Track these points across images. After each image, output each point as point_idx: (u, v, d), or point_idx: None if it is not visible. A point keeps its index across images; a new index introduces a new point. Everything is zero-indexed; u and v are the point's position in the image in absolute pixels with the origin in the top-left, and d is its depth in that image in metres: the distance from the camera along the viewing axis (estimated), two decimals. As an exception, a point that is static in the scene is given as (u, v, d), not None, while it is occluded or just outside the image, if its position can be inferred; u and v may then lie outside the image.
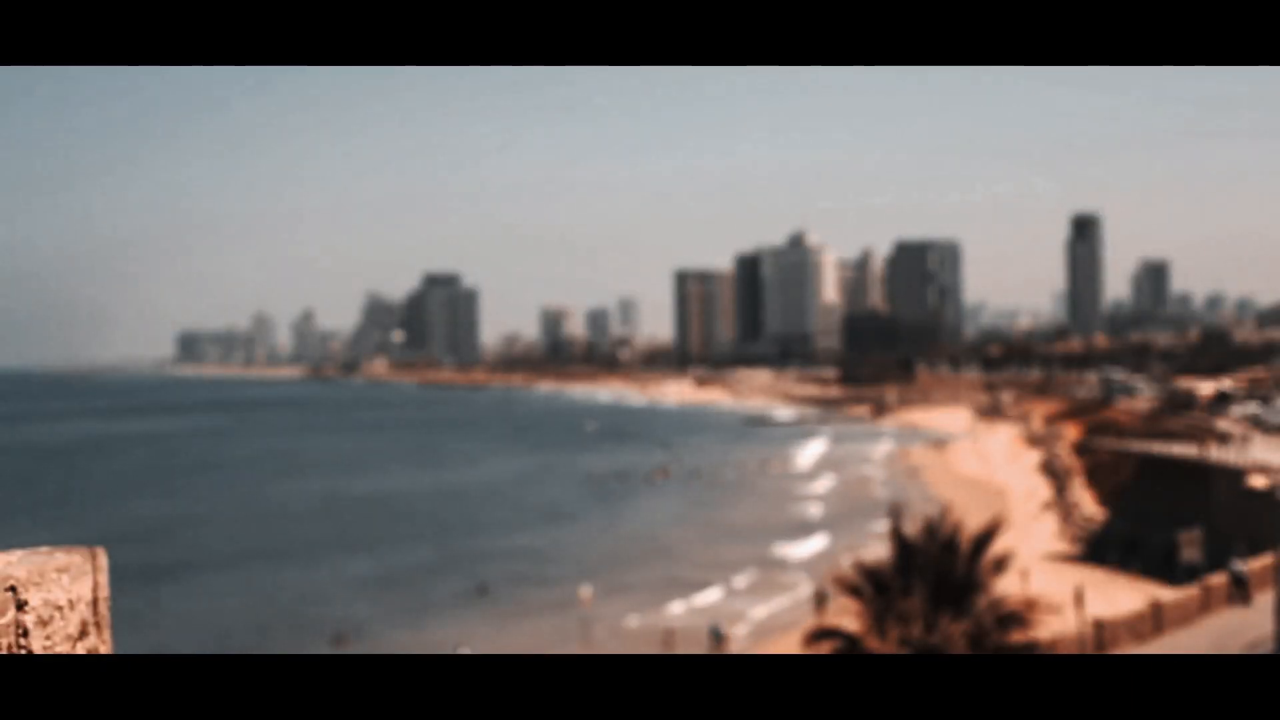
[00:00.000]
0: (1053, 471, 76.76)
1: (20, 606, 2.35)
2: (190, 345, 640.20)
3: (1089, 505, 64.34)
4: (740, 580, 51.55)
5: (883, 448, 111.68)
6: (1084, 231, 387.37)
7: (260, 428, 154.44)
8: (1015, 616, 24.98)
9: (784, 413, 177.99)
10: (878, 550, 34.60)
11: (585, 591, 47.06)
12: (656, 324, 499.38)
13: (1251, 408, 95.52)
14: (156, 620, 42.19)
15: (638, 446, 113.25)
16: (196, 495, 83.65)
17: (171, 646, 35.46)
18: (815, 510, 72.89)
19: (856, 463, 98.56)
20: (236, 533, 66.20)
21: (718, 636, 38.56)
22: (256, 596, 48.38)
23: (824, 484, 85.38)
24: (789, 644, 32.24)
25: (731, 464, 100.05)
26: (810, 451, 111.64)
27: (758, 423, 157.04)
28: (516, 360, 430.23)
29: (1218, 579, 35.23)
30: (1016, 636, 24.50)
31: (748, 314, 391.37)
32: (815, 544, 60.03)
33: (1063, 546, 55.25)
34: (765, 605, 46.63)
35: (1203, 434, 69.24)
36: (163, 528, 67.05)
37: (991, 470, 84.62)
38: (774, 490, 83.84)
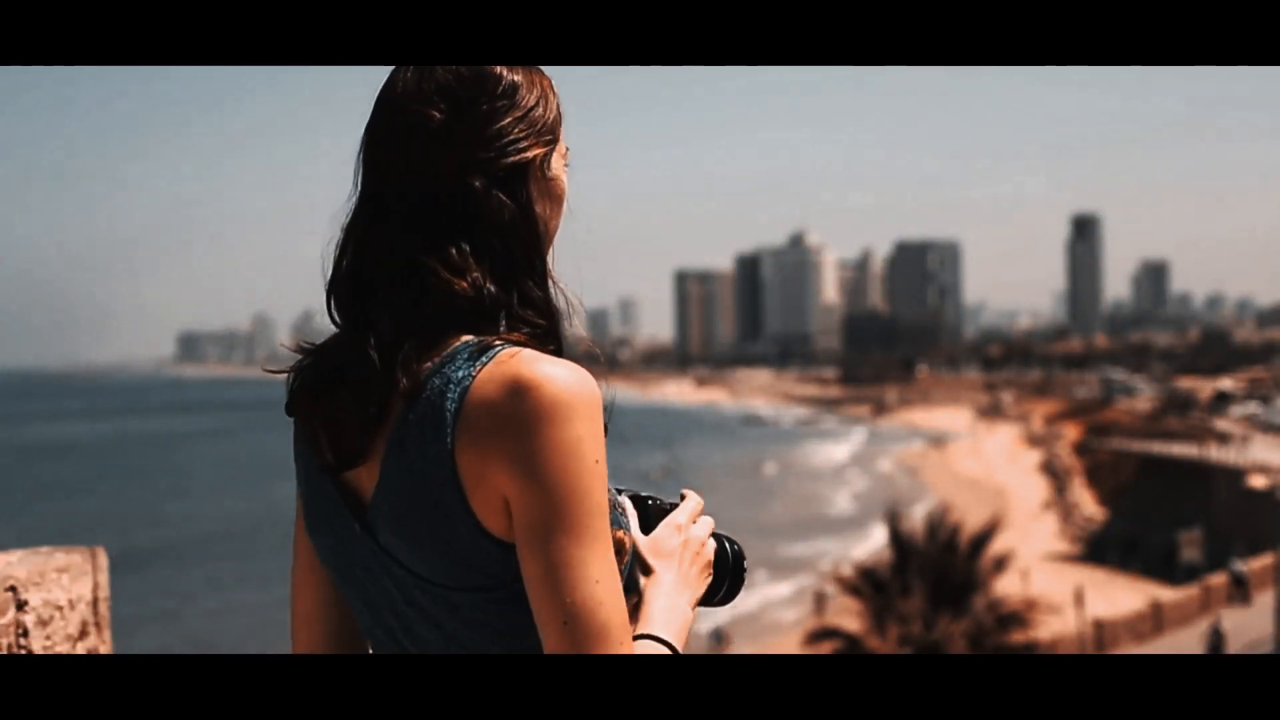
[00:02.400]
0: (1053, 471, 76.73)
1: (20, 606, 2.35)
2: (190, 345, 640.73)
3: (1089, 505, 64.33)
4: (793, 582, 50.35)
5: (890, 447, 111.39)
6: (1084, 231, 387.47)
7: (265, 427, 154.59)
8: (1015, 616, 25.00)
9: (785, 413, 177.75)
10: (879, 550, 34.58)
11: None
12: (656, 324, 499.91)
13: (1251, 408, 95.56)
14: (156, 620, 42.25)
15: (664, 446, 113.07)
16: (200, 495, 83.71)
17: (172, 646, 35.50)
18: (853, 507, 72.19)
19: (872, 461, 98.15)
20: (239, 533, 66.28)
21: (718, 638, 38.55)
22: (258, 596, 48.46)
23: (853, 483, 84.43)
24: (789, 644, 32.20)
25: (768, 462, 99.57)
26: (823, 451, 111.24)
27: (761, 423, 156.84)
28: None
29: (1218, 579, 35.24)
30: (1016, 636, 24.52)
31: (748, 314, 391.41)
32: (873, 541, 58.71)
33: (1063, 546, 55.18)
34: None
35: (1203, 434, 69.22)
36: (164, 528, 67.11)
37: (991, 470, 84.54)
38: (802, 490, 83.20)
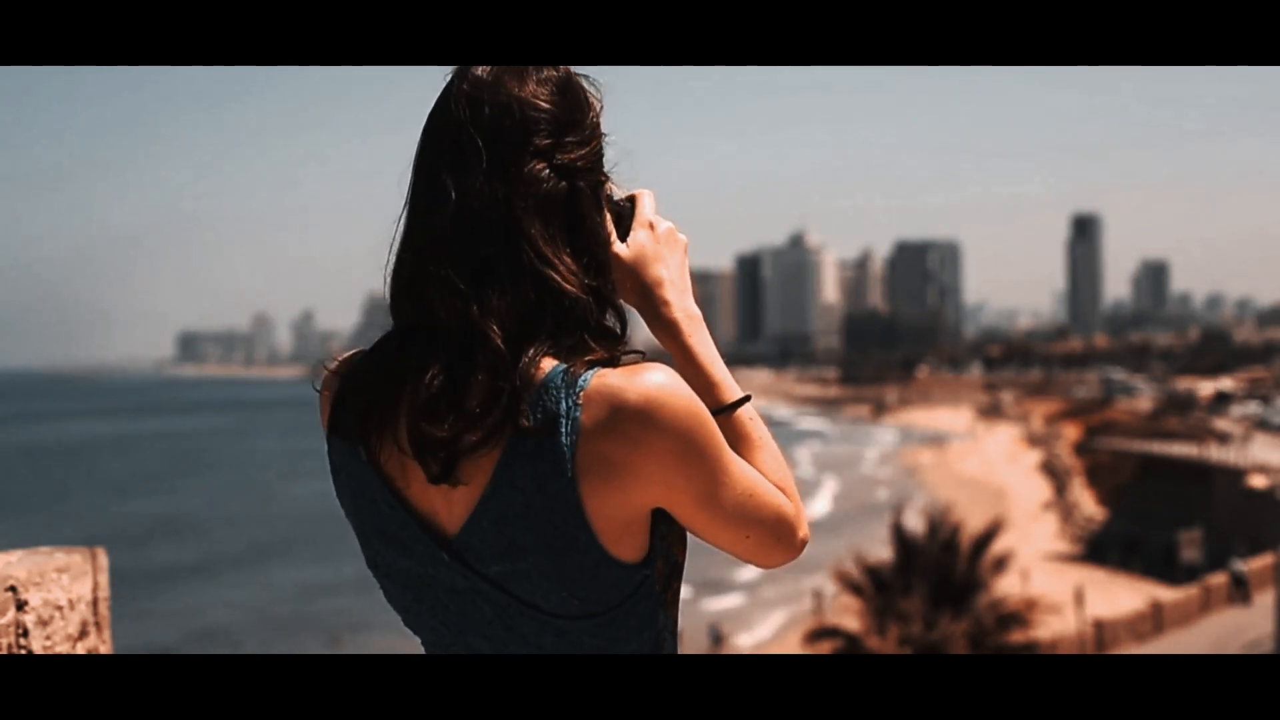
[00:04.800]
0: (1053, 471, 76.67)
1: (20, 606, 2.34)
2: (190, 345, 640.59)
3: (1089, 505, 64.29)
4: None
5: (907, 449, 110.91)
6: (1084, 231, 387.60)
7: (266, 427, 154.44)
8: (1015, 616, 24.99)
9: (798, 414, 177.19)
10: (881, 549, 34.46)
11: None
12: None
13: (1251, 408, 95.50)
14: (154, 619, 42.24)
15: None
16: (199, 494, 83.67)
17: (171, 646, 35.47)
18: (873, 507, 71.60)
19: (891, 462, 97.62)
20: (238, 532, 66.27)
21: (716, 637, 38.51)
22: (256, 596, 48.44)
23: (885, 483, 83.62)
24: (789, 644, 32.19)
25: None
26: (848, 451, 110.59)
27: (774, 425, 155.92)
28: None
29: (1218, 579, 35.21)
30: (1016, 636, 24.51)
31: (748, 314, 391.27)
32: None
33: (1063, 546, 55.15)
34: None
35: (1203, 434, 69.17)
36: (163, 526, 67.10)
37: (991, 470, 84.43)
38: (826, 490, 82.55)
